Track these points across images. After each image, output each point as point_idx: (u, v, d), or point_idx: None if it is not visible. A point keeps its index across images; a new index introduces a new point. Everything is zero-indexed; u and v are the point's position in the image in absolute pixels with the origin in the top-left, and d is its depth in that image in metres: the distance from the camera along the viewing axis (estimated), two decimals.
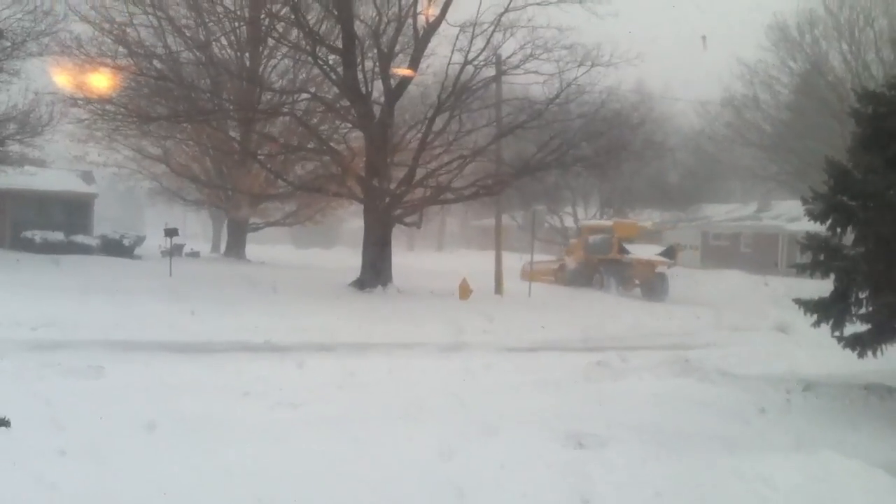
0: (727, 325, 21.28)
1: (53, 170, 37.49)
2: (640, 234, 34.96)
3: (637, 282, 32.78)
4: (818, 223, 12.17)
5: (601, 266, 32.82)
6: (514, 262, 34.86)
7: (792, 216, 45.47)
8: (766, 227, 51.60)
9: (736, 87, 45.48)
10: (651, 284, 32.18)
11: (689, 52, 56.03)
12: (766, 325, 20.83)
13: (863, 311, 12.04)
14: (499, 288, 28.73)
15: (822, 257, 12.08)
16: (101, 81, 25.41)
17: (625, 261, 32.25)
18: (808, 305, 12.16)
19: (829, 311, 11.98)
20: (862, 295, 11.94)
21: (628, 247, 32.64)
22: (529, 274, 31.20)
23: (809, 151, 37.57)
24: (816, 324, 12.16)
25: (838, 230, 12.06)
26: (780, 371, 13.79)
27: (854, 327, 12.15)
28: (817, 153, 31.11)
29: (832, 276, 12.13)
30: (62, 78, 25.93)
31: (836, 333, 12.10)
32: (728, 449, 8.52)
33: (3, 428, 2.59)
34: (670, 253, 33.14)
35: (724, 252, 53.98)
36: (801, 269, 12.44)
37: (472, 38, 25.53)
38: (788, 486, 7.21)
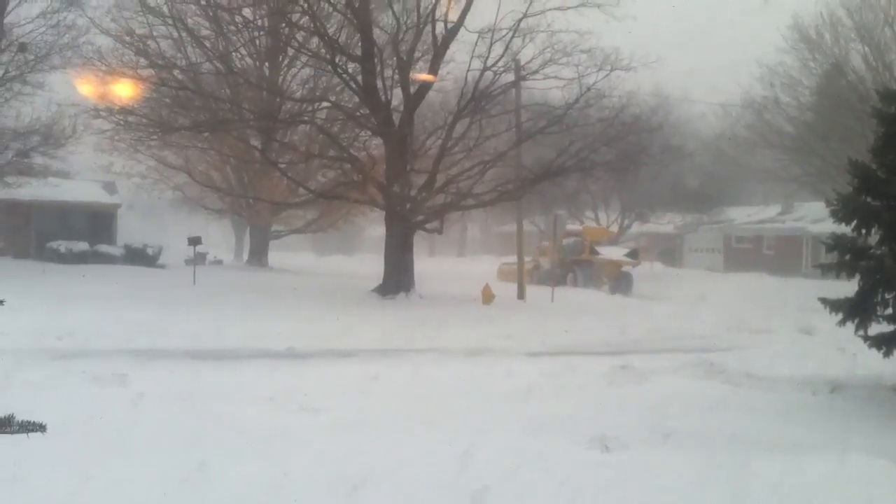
0: (751, 327, 21.13)
1: (77, 181, 37.82)
2: (608, 239, 40.17)
3: (605, 279, 35.60)
4: (843, 224, 12.11)
5: (574, 266, 36.56)
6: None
7: (815, 218, 45.17)
8: (789, 230, 51.29)
9: (756, 90, 45.22)
10: (617, 281, 35.54)
11: (707, 54, 55.85)
12: (791, 327, 20.67)
13: (889, 311, 11.94)
14: (521, 293, 28.69)
15: (847, 257, 11.99)
16: (123, 93, 25.64)
17: (595, 261, 36.16)
18: (834, 305, 12.08)
19: (854, 310, 11.90)
20: (888, 295, 11.84)
21: (598, 248, 36.94)
22: (505, 274, 35.72)
23: (832, 153, 37.30)
24: (842, 323, 12.08)
25: (863, 231, 11.99)
26: (805, 373, 13.67)
27: (880, 328, 12.06)
28: (840, 154, 30.93)
29: (857, 277, 12.05)
30: (84, 90, 26.20)
31: (861, 333, 12.01)
32: (755, 451, 8.46)
33: (40, 433, 2.61)
34: (634, 254, 37.28)
35: (747, 255, 53.71)
36: (827, 270, 12.36)
37: (491, 44, 25.59)
38: (817, 487, 7.15)
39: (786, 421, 10.26)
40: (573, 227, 40.33)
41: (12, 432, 2.57)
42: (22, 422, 2.59)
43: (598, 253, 36.65)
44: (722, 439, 9.10)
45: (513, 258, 35.04)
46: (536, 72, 26.17)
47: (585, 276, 35.92)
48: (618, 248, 38.70)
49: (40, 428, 2.60)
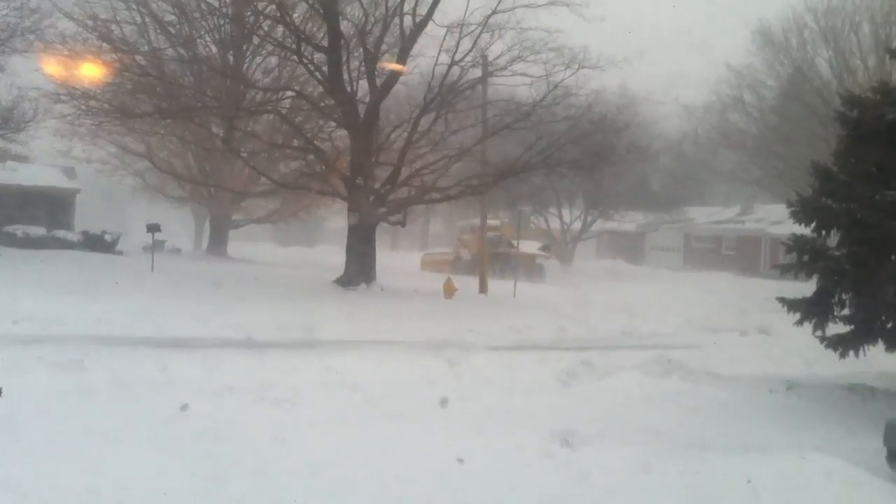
0: (710, 326, 21.35)
1: (36, 165, 37.27)
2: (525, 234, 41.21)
3: (521, 270, 36.84)
4: (802, 225, 12.26)
5: (493, 257, 38.16)
6: None
7: (774, 219, 45.79)
8: (748, 230, 51.94)
9: (722, 91, 45.72)
10: (531, 272, 38.81)
11: (675, 56, 56.31)
12: (749, 327, 20.92)
13: (845, 311, 12.12)
14: (483, 287, 28.72)
15: (806, 258, 12.14)
16: (85, 77, 25.27)
17: (511, 254, 38.75)
18: (792, 304, 12.24)
19: (811, 310, 12.07)
20: (845, 296, 12.01)
21: (514, 243, 39.13)
22: (428, 264, 40.29)
23: (793, 155, 37.80)
24: (799, 322, 12.25)
25: (822, 232, 12.15)
26: (762, 371, 13.86)
27: (836, 328, 12.23)
28: (801, 157, 31.36)
29: (815, 278, 12.20)
30: (46, 73, 25.79)
31: (819, 333, 12.17)
32: (711, 448, 8.55)
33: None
34: (546, 248, 42.10)
35: (706, 254, 54.33)
36: (786, 270, 12.49)
37: (460, 38, 25.52)
38: (771, 484, 7.23)
39: (742, 419, 10.38)
40: (492, 222, 41.52)
41: None
42: None
43: (514, 246, 39.13)
44: (679, 436, 9.18)
45: (436, 250, 43.84)
46: (504, 68, 26.17)
47: (503, 267, 38.36)
48: (533, 242, 42.81)
49: None
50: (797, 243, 12.19)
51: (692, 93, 63.66)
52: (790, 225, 13.12)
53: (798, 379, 13.01)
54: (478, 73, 27.14)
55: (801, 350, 15.08)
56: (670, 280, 38.51)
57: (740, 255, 51.38)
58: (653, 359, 14.13)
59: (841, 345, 11.97)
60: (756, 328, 20.52)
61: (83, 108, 27.55)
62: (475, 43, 25.74)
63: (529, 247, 40.60)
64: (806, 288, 12.63)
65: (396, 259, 43.51)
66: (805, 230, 12.31)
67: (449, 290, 25.11)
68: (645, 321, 21.97)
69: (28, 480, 6.38)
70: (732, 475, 7.45)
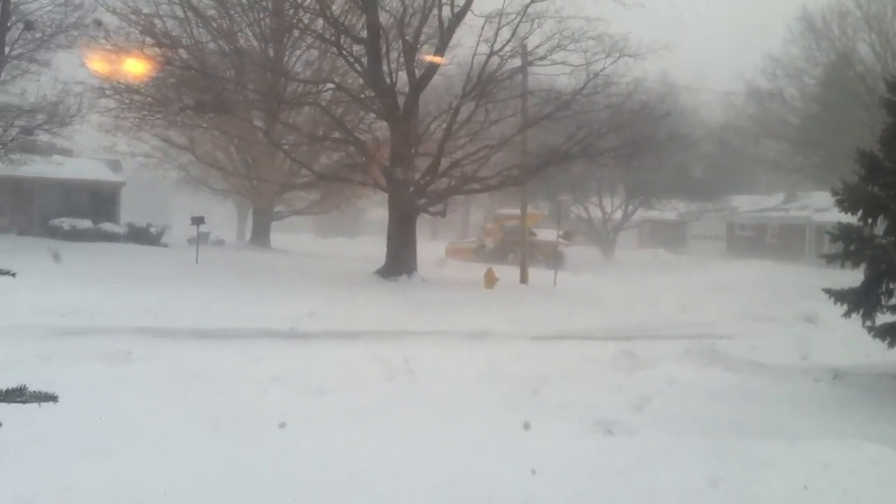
0: (753, 315, 21.15)
1: (81, 159, 37.80)
2: (544, 222, 42.82)
3: (541, 257, 39.24)
4: (849, 214, 12.09)
5: (514, 245, 39.20)
6: None
7: (819, 207, 45.14)
8: (792, 218, 51.26)
9: (760, 81, 45.16)
10: (552, 259, 37.60)
11: (715, 43, 55.70)
12: (793, 315, 20.66)
13: (894, 301, 11.94)
14: (524, 277, 28.68)
15: (852, 247, 11.96)
16: (129, 72, 25.60)
17: (532, 241, 38.20)
18: (839, 295, 12.06)
19: (859, 301, 11.88)
20: (893, 285, 11.84)
21: (535, 230, 40.29)
22: (452, 253, 41.75)
23: (836, 143, 37.25)
24: (847, 314, 12.07)
25: (869, 220, 11.97)
26: (808, 361, 13.70)
27: (884, 318, 12.05)
28: (845, 145, 30.86)
29: (863, 267, 12.03)
30: (91, 68, 26.18)
31: (868, 324, 11.99)
32: (756, 437, 8.49)
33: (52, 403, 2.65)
34: (567, 236, 41.30)
35: (749, 243, 53.72)
36: (832, 259, 12.32)
37: (498, 28, 25.45)
38: (818, 474, 7.17)
39: (788, 408, 10.28)
40: (513, 211, 42.94)
41: (24, 401, 2.59)
42: (34, 391, 2.61)
43: (535, 234, 39.94)
44: (723, 425, 9.13)
45: (462, 239, 46.72)
46: (544, 57, 26.07)
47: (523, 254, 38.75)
48: (551, 231, 41.91)
49: (52, 398, 2.62)
50: (843, 232, 12.02)
51: (733, 81, 62.85)
52: (835, 213, 12.95)
53: (844, 368, 12.85)
54: (517, 62, 27.08)
55: (847, 339, 14.88)
56: (713, 269, 38.14)
57: (784, 243, 50.73)
58: (696, 348, 14.05)
59: (889, 334, 11.77)
60: (801, 317, 20.26)
61: (127, 102, 27.94)
62: (514, 32, 25.68)
63: (548, 235, 40.87)
64: (852, 276, 12.46)
65: (438, 249, 43.65)
66: (851, 219, 12.14)
67: (490, 281, 25.12)
68: (687, 310, 21.83)
69: (76, 473, 6.52)
70: (776, 464, 7.40)
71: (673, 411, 9.60)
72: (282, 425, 7.96)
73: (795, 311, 21.10)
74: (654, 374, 12.06)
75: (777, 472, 7.21)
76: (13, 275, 2.80)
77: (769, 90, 45.10)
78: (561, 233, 41.21)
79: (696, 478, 7.04)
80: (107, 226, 34.32)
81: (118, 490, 6.16)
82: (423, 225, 35.17)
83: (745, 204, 58.19)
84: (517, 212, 43.29)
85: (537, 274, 29.52)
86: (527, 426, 8.30)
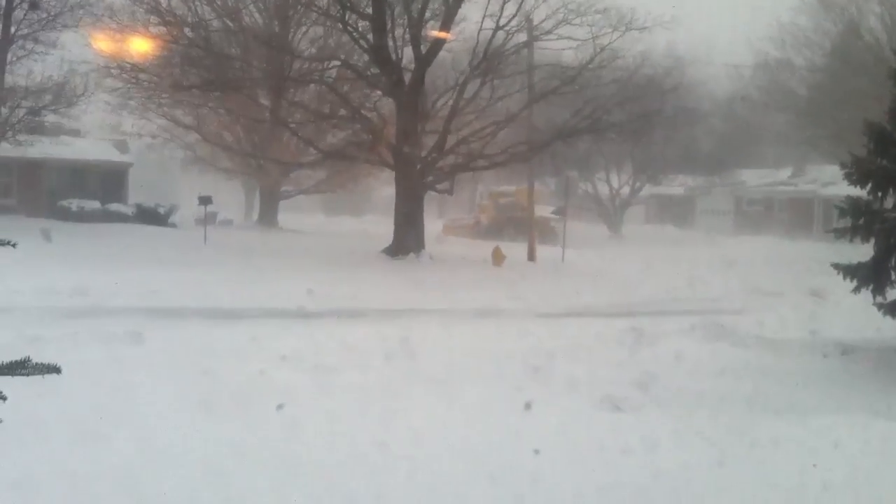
0: (761, 290, 21.09)
1: (88, 139, 37.86)
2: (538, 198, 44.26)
3: (536, 233, 38.79)
4: (857, 187, 12.01)
5: (508, 221, 42.36)
6: None
7: (827, 181, 44.92)
8: (800, 192, 51.07)
9: (769, 51, 44.74)
10: (545, 234, 39.69)
11: (722, 14, 55.21)
12: (802, 290, 20.61)
13: None
14: (532, 254, 28.66)
15: (861, 221, 11.89)
16: (135, 51, 25.58)
17: (525, 217, 39.70)
18: (848, 270, 12.00)
19: (869, 276, 11.81)
20: None
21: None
22: (449, 229, 43.57)
23: (845, 115, 36.94)
24: (856, 290, 12.01)
25: (878, 194, 11.89)
26: (816, 336, 13.66)
27: (894, 293, 11.99)
28: (853, 117, 30.62)
29: (872, 242, 11.95)
30: (96, 48, 26.17)
31: (879, 300, 11.92)
32: (765, 412, 8.51)
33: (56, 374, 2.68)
34: (559, 212, 39.91)
35: (757, 217, 53.55)
36: (841, 234, 12.26)
37: (504, 3, 25.36)
38: (826, 448, 7.17)
39: (796, 384, 10.27)
40: (507, 188, 46.13)
41: (28, 374, 2.61)
42: (36, 364, 2.63)
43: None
44: (732, 400, 9.14)
45: (458, 216, 48.66)
46: (550, 32, 26.00)
47: (517, 230, 40.70)
48: (545, 206, 44.08)
49: (55, 370, 2.64)
50: (851, 206, 11.95)
51: (741, 52, 62.38)
52: (844, 186, 12.87)
53: (853, 343, 12.80)
54: (523, 37, 26.97)
55: (855, 313, 14.81)
56: (721, 244, 38.10)
57: (792, 217, 50.54)
58: (703, 324, 14.03)
59: None
60: (809, 292, 20.20)
61: (132, 81, 27.94)
62: (520, 7, 25.60)
63: (541, 211, 42.01)
64: (863, 251, 12.38)
65: (440, 226, 43.90)
66: (860, 192, 12.07)
67: (498, 258, 25.12)
68: (695, 286, 21.80)
69: (78, 457, 6.56)
70: (785, 441, 7.41)
71: (680, 388, 9.60)
72: (286, 405, 7.98)
73: (804, 285, 21.04)
74: (661, 350, 12.07)
75: (786, 450, 7.22)
76: (14, 245, 2.81)
77: (777, 60, 44.71)
78: (553, 209, 42.65)
79: (703, 455, 7.05)
80: (115, 206, 34.37)
81: (123, 467, 6.19)
82: (429, 203, 35.20)
83: (752, 178, 57.90)
84: (512, 188, 45.66)
85: (541, 250, 29.53)
86: (532, 404, 8.32)
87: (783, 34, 43.25)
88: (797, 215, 50.11)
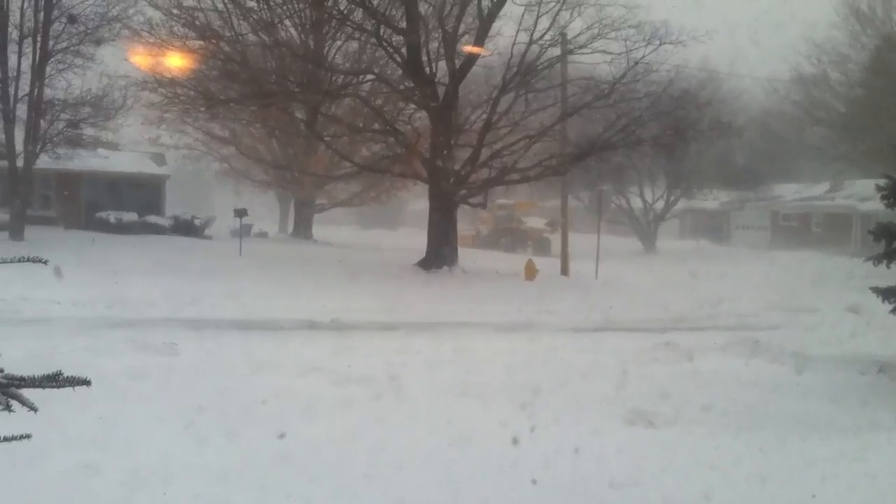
0: (798, 306, 20.89)
1: (126, 152, 38.32)
2: (535, 210, 49.94)
3: (529, 242, 45.02)
4: (893, 209, 11.85)
5: (505, 232, 45.94)
6: (579, 242, 34.76)
7: (864, 196, 44.39)
8: (837, 207, 50.51)
9: (804, 66, 44.44)
10: (538, 244, 44.30)
11: (757, 28, 54.90)
12: (838, 307, 20.38)
13: None
14: (565, 268, 28.59)
15: (895, 245, 11.71)
16: (172, 65, 25.90)
17: (521, 228, 46.31)
18: (886, 293, 11.84)
19: None
20: None
21: (524, 219, 47.39)
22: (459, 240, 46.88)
23: (882, 129, 36.57)
24: (894, 311, 11.86)
25: None
26: (852, 352, 13.50)
27: None
28: (891, 131, 30.33)
29: None
30: (134, 62, 26.54)
31: None
32: (800, 429, 8.40)
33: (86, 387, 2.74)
34: (552, 224, 45.08)
35: (794, 233, 53.04)
36: (879, 260, 12.06)
37: (538, 17, 25.45)
38: (864, 466, 7.09)
39: (832, 401, 10.15)
40: (504, 201, 48.37)
41: (58, 386, 2.67)
42: (67, 377, 2.69)
43: (523, 222, 46.81)
44: (767, 417, 9.04)
45: (460, 227, 44.93)
46: (584, 46, 25.99)
47: (513, 240, 45.39)
48: (539, 218, 49.56)
49: (85, 382, 2.70)
50: (883, 231, 11.77)
51: (775, 66, 61.97)
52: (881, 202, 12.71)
53: (891, 360, 12.64)
54: (557, 51, 26.99)
55: (892, 331, 14.64)
56: (756, 259, 37.78)
57: (829, 233, 49.98)
58: (738, 340, 13.92)
59: None
60: (846, 308, 19.98)
61: (170, 95, 28.28)
62: (554, 21, 25.64)
63: (537, 222, 47.84)
64: None
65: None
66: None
67: (530, 272, 25.10)
68: (730, 302, 21.61)
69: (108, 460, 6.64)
70: (821, 456, 7.34)
71: (714, 404, 9.52)
72: (318, 416, 8.05)
73: (841, 302, 20.81)
74: (696, 366, 11.99)
75: (824, 468, 7.14)
76: (45, 262, 2.87)
77: (813, 75, 44.38)
78: (546, 221, 47.75)
79: (740, 473, 6.99)
80: (152, 218, 34.76)
81: (156, 469, 6.25)
82: (462, 216, 35.30)
83: (788, 193, 57.38)
84: (510, 202, 48.52)
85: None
86: (564, 417, 8.30)
87: (818, 49, 42.94)
88: (834, 231, 49.55)
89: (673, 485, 6.65)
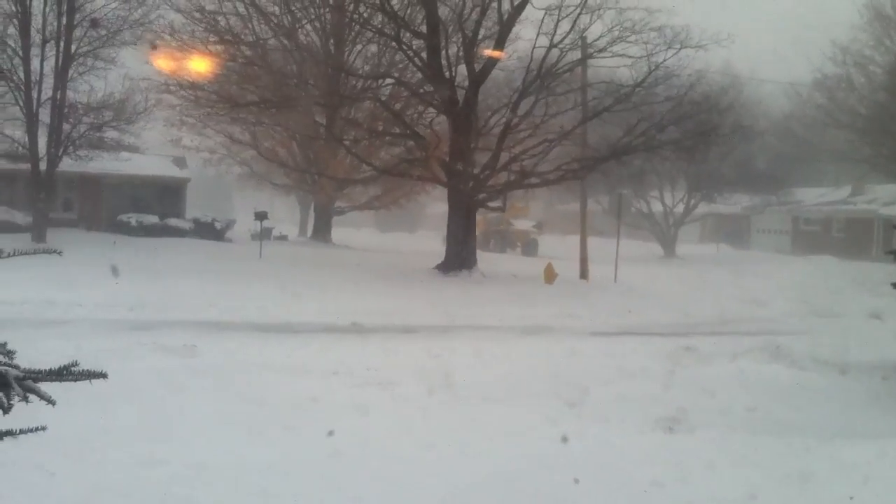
0: (819, 311, 20.76)
1: (147, 155, 38.49)
2: (524, 213, 50.93)
3: (518, 244, 47.85)
4: None
5: (494, 234, 47.79)
6: (598, 246, 34.67)
7: (887, 200, 44.12)
8: (859, 212, 50.12)
9: (827, 68, 44.06)
10: (526, 245, 47.25)
11: (779, 32, 54.60)
12: (860, 312, 20.23)
13: None
14: (584, 272, 28.49)
15: None
16: (193, 68, 26.05)
17: (509, 230, 48.10)
18: None
19: None
20: None
21: (513, 221, 48.33)
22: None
23: None
24: None
25: None
26: (875, 358, 13.39)
27: None
28: None
29: None
30: (155, 65, 26.71)
31: None
32: (820, 435, 8.35)
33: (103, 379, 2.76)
34: (539, 226, 49.93)
35: (815, 237, 52.69)
36: None
37: (558, 21, 25.34)
38: (886, 473, 7.04)
39: (854, 406, 10.09)
40: (493, 204, 48.09)
41: (74, 379, 2.68)
42: (83, 370, 2.71)
43: (512, 224, 48.03)
44: (787, 423, 8.98)
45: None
46: (604, 49, 25.88)
47: (502, 241, 47.82)
48: (527, 220, 51.40)
49: (102, 375, 2.71)
50: None
51: (798, 70, 61.58)
52: None
53: None
54: (577, 55, 26.89)
55: None
56: (777, 264, 37.52)
57: (851, 237, 49.62)
58: (759, 345, 13.85)
59: None
60: (868, 313, 19.83)
61: (191, 98, 28.43)
62: (574, 24, 25.54)
63: (525, 224, 50.16)
64: None
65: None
66: None
67: (549, 276, 25.03)
68: (751, 306, 21.52)
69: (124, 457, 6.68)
70: (841, 462, 7.28)
71: (735, 409, 9.48)
72: (339, 419, 8.06)
73: (863, 307, 20.67)
74: (717, 370, 11.93)
75: (846, 475, 7.09)
76: (60, 253, 2.90)
77: (836, 77, 43.99)
78: (533, 223, 50.66)
79: (761, 479, 6.95)
80: (173, 221, 34.92)
81: (181, 474, 6.28)
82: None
83: (810, 197, 57.01)
84: (497, 204, 48.22)
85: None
86: (584, 423, 8.28)
87: (842, 51, 42.60)
88: (856, 235, 49.17)
89: (686, 492, 6.62)
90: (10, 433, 2.73)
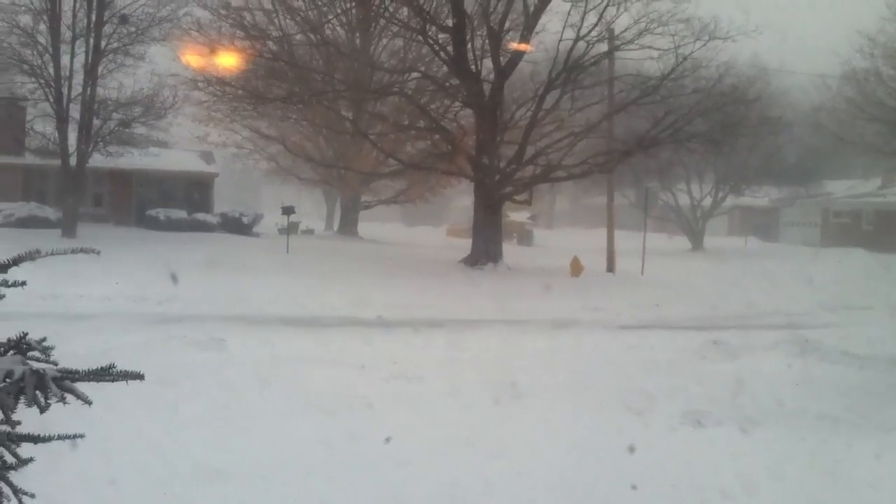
0: (848, 304, 20.58)
1: (176, 150, 38.77)
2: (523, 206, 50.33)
3: (514, 234, 48.66)
4: None
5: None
6: (625, 239, 34.53)
7: None
8: (890, 204, 49.61)
9: (856, 61, 43.54)
10: (522, 236, 49.42)
11: (808, 23, 54.01)
12: (890, 305, 20.02)
13: None
14: (611, 266, 28.40)
15: None
16: (220, 64, 26.21)
17: (506, 221, 45.34)
18: None
19: None
20: None
21: (509, 213, 46.95)
22: (451, 232, 51.87)
23: None
24: None
25: None
26: None
27: None
28: None
29: None
30: (183, 61, 26.92)
31: None
32: (851, 429, 8.30)
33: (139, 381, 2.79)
34: (534, 218, 52.74)
35: (845, 230, 52.21)
36: None
37: (585, 13, 25.25)
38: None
39: (883, 401, 10.00)
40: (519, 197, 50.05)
41: (112, 380, 2.72)
42: (120, 370, 2.74)
43: (508, 216, 46.65)
44: (817, 417, 8.93)
45: (458, 221, 56.36)
46: (631, 42, 25.75)
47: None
48: (523, 213, 51.85)
49: (139, 376, 2.75)
50: None
51: (827, 62, 60.89)
52: None
53: None
54: (604, 47, 26.78)
55: None
56: (806, 257, 37.20)
57: (881, 229, 49.11)
58: (787, 338, 13.75)
59: None
60: None
61: (218, 94, 28.61)
62: (601, 17, 25.43)
63: (518, 216, 51.51)
64: None
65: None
66: None
67: (576, 269, 24.98)
68: (779, 300, 21.36)
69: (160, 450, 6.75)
70: (871, 456, 7.24)
71: (762, 403, 9.42)
72: (367, 409, 8.11)
73: (893, 300, 20.47)
74: (745, 364, 11.86)
75: (873, 466, 7.04)
76: (97, 252, 2.93)
77: (865, 70, 43.46)
78: (528, 215, 52.47)
79: (794, 473, 6.92)
80: (201, 216, 35.13)
81: (211, 466, 6.35)
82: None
83: (839, 189, 56.45)
84: (524, 198, 49.38)
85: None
86: (613, 417, 8.27)
87: (871, 42, 42.09)
88: (886, 227, 48.66)
89: (718, 484, 6.60)
90: (46, 439, 2.75)
